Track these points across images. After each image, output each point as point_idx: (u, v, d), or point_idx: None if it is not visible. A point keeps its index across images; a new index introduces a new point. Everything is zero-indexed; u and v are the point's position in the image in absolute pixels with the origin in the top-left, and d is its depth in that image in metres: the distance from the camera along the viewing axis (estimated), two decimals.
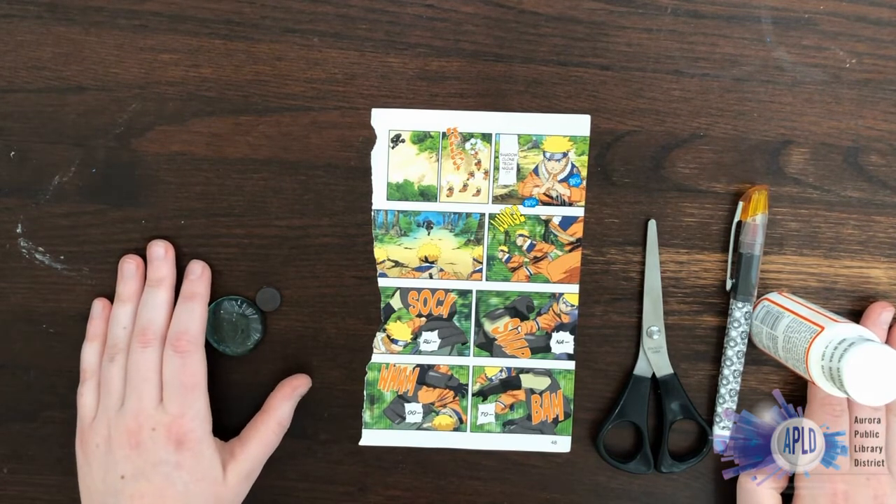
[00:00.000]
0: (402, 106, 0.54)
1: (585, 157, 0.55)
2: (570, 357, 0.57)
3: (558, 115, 0.54)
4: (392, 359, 0.57)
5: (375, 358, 0.57)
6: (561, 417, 0.58)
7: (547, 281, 0.56)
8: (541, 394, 0.57)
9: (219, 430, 0.56)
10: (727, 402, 0.56)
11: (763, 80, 0.54)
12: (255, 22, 0.54)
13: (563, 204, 0.55)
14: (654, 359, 0.57)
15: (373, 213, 0.56)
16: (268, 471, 0.57)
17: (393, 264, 0.56)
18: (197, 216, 0.56)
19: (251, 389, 0.57)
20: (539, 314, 0.57)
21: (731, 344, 0.55)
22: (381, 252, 0.56)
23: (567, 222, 0.56)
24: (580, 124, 0.54)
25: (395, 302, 0.57)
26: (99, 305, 0.55)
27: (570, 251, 0.56)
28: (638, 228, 0.56)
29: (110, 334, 0.54)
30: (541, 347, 0.57)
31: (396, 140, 0.55)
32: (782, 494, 0.55)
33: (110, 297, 0.56)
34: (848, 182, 0.55)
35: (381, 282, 0.56)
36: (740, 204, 0.55)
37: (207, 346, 0.56)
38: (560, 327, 0.57)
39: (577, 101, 0.54)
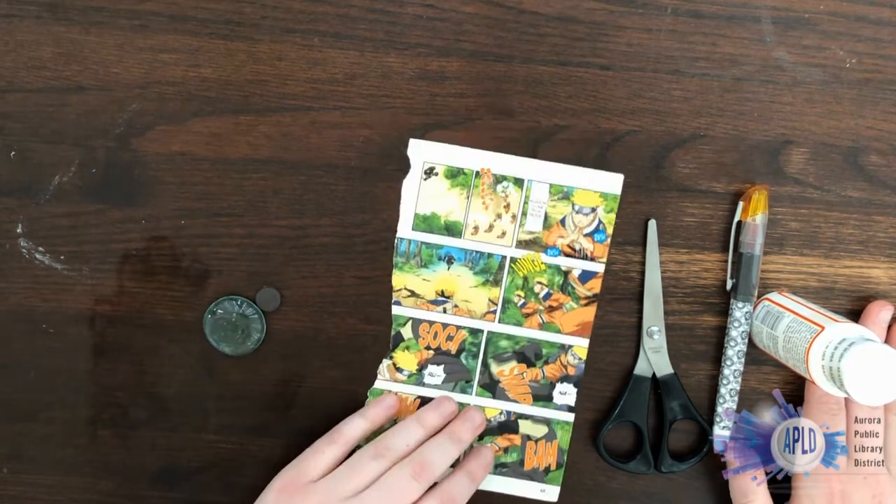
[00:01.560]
0: (403, 106, 0.54)
1: (613, 215, 0.55)
2: (570, 409, 0.57)
3: (592, 170, 0.54)
4: (395, 387, 0.57)
5: (379, 384, 0.57)
6: (553, 467, 0.57)
7: (558, 331, 0.56)
8: (536, 441, 0.57)
9: (218, 429, 0.56)
10: (727, 401, 0.56)
11: (763, 80, 0.54)
12: (255, 22, 0.54)
13: (585, 258, 0.55)
14: (655, 359, 0.57)
15: (396, 241, 0.55)
16: (268, 471, 0.57)
17: (409, 294, 0.56)
18: (197, 216, 0.56)
19: (251, 389, 0.57)
20: (546, 363, 0.57)
21: (732, 344, 0.55)
22: (398, 280, 0.56)
23: (586, 276, 0.56)
24: (613, 182, 0.55)
25: (406, 331, 0.57)
26: (391, 400, 0.55)
27: (586, 305, 0.56)
28: (638, 228, 0.56)
29: (390, 438, 0.53)
30: (543, 396, 0.57)
31: (430, 173, 0.55)
32: (781, 494, 0.55)
33: (111, 297, 0.56)
34: (848, 182, 0.55)
35: (395, 310, 0.56)
36: (740, 204, 0.55)
37: (207, 345, 0.56)
38: (565, 378, 0.57)
39: (577, 101, 0.54)
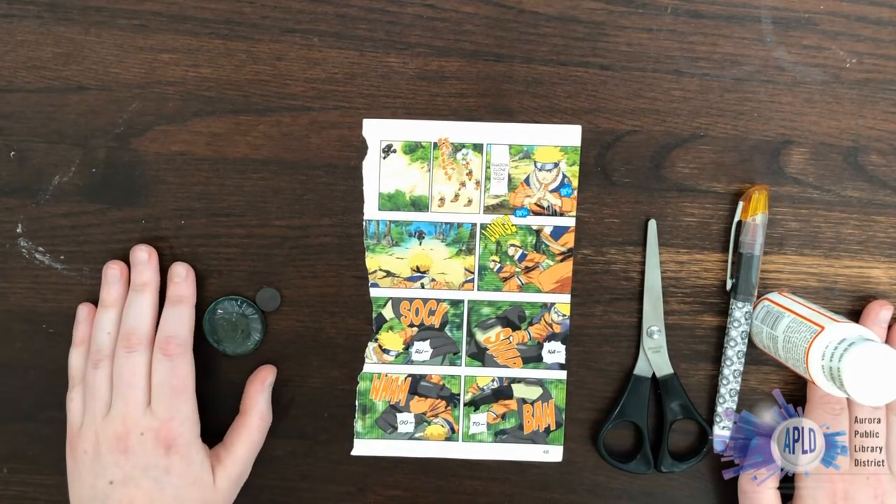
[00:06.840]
0: (403, 106, 0.54)
1: (577, 168, 0.55)
2: (561, 367, 0.57)
3: (550, 125, 0.54)
4: (384, 368, 0.57)
5: (367, 368, 0.57)
6: (552, 427, 0.58)
7: (538, 291, 0.56)
8: (532, 403, 0.57)
9: (217, 430, 0.56)
10: (727, 401, 0.56)
11: (763, 80, 0.54)
12: (255, 22, 0.54)
13: (555, 214, 0.55)
14: (654, 359, 0.57)
15: (364, 223, 0.55)
16: (268, 471, 0.57)
17: (385, 274, 0.56)
18: (197, 216, 0.56)
19: None
20: (531, 324, 0.57)
21: (732, 344, 0.55)
22: (372, 262, 0.56)
23: (558, 232, 0.56)
24: (571, 135, 0.54)
25: (387, 312, 0.57)
26: (84, 310, 0.55)
27: (562, 261, 0.56)
28: (638, 228, 0.56)
29: (94, 340, 0.54)
30: (532, 357, 0.57)
31: (388, 150, 0.55)
32: (783, 494, 0.55)
33: None
34: (848, 182, 0.55)
35: (373, 292, 0.56)
36: (740, 204, 0.55)
37: (207, 346, 0.56)
38: (552, 337, 0.57)
39: (577, 100, 0.54)
